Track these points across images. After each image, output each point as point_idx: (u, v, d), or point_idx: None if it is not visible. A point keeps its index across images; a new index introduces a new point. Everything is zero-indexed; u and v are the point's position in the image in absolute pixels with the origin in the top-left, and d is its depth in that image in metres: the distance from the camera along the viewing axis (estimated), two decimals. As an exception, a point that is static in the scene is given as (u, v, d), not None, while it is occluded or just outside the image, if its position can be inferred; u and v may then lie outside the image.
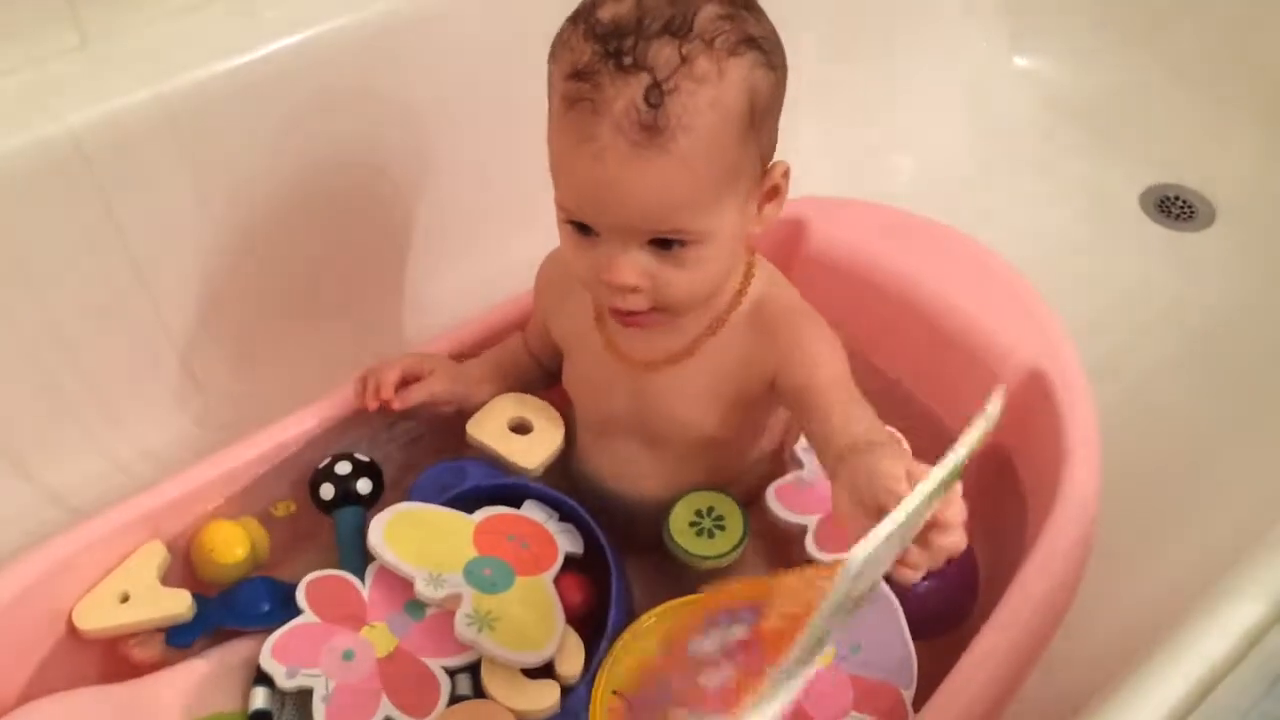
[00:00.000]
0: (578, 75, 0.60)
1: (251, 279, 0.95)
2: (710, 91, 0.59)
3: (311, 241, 0.97)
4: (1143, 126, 1.36)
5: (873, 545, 0.44)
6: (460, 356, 0.86)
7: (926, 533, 0.53)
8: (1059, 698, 0.66)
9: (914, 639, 0.69)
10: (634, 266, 0.64)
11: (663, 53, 0.58)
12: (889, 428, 0.50)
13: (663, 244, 0.63)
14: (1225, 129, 1.34)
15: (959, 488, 0.53)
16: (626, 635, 0.70)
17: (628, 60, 0.58)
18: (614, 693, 0.68)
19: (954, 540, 0.53)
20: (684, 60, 0.58)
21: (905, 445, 0.73)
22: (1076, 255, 1.20)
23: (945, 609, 0.74)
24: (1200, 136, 1.34)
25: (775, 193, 0.67)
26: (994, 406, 0.52)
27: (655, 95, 0.58)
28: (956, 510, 0.53)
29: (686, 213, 0.62)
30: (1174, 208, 1.30)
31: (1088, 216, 1.28)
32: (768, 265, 0.75)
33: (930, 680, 0.65)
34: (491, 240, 1.07)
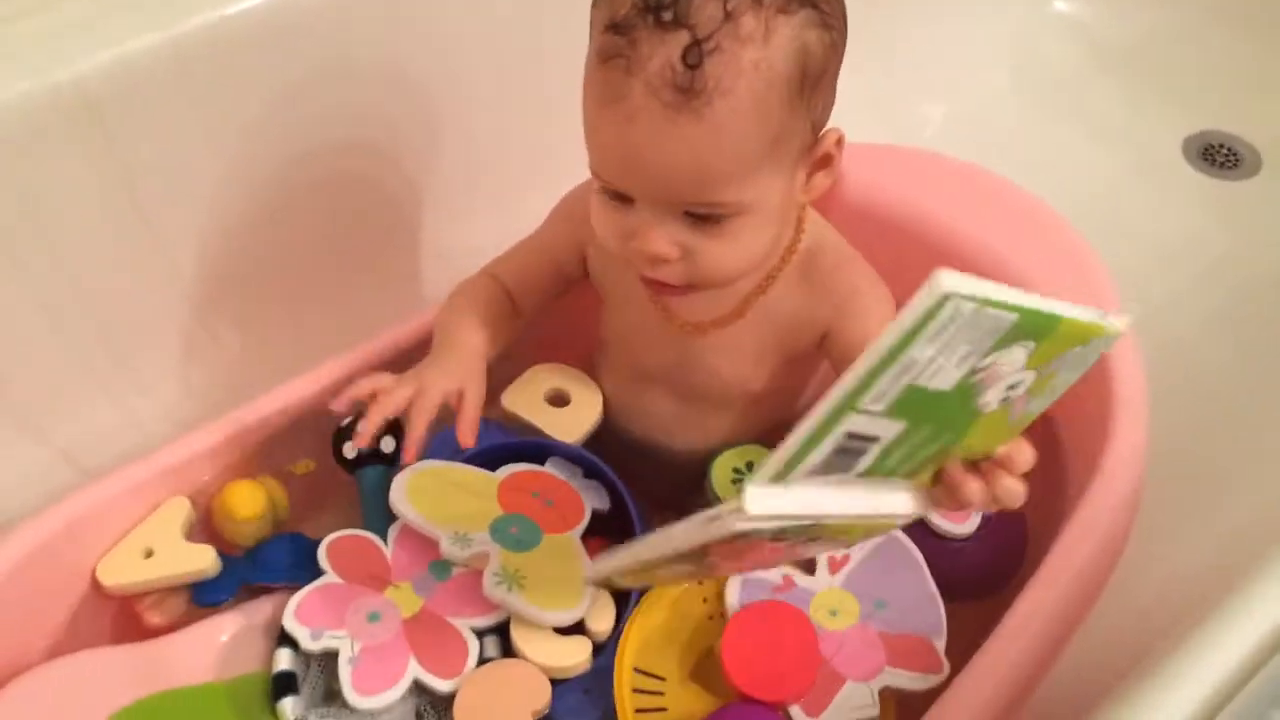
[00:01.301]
0: (615, 28, 0.56)
1: (267, 232, 0.93)
2: (754, 53, 0.55)
3: (329, 193, 0.95)
4: (1186, 72, 1.33)
5: None
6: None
7: (992, 468, 0.50)
8: (1104, 660, 0.64)
9: (959, 599, 0.68)
10: (667, 236, 0.61)
11: (705, 8, 0.54)
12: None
13: (699, 215, 0.60)
14: (1272, 75, 1.30)
15: (1022, 442, 0.51)
16: (644, 603, 0.69)
17: (667, 15, 0.55)
18: (635, 670, 0.67)
19: (1014, 488, 0.50)
20: (728, 17, 0.54)
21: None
22: (1117, 205, 1.17)
23: (992, 571, 0.72)
24: (1246, 83, 1.31)
25: (827, 161, 0.64)
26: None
27: (694, 55, 0.54)
28: (1025, 455, 0.50)
29: (723, 184, 0.58)
30: (1218, 156, 1.27)
31: (1129, 165, 1.25)
32: (817, 216, 0.72)
33: (976, 642, 0.64)
34: (511, 192, 1.05)
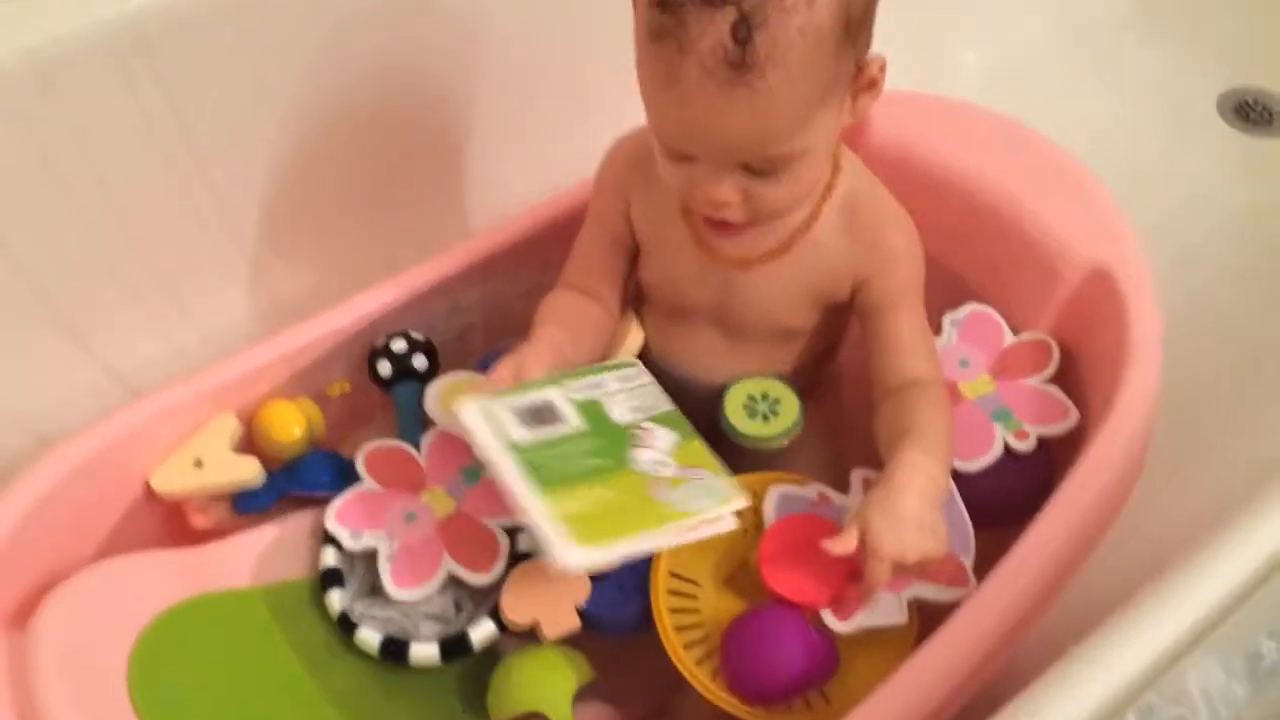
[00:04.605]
0: (662, 6, 0.57)
1: (311, 166, 0.95)
2: (800, 18, 0.56)
3: (372, 128, 0.97)
4: (1224, 27, 1.32)
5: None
6: (523, 244, 0.86)
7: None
8: (1110, 593, 0.65)
9: (986, 529, 0.70)
10: (730, 186, 0.63)
11: None
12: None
13: (758, 169, 0.63)
14: (1311, 31, 1.28)
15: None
16: None
17: None
18: (671, 574, 0.70)
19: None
20: None
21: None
22: (1148, 157, 1.17)
23: (1019, 503, 0.73)
24: (1283, 39, 1.29)
25: (871, 85, 0.65)
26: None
27: (743, 30, 0.55)
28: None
29: (780, 142, 0.61)
30: (1252, 112, 1.26)
31: (1163, 118, 1.24)
32: (853, 156, 0.74)
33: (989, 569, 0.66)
34: (555, 127, 1.06)
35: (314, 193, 0.97)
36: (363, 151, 0.98)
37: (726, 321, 0.77)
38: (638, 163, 0.74)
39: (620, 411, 0.68)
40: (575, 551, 0.58)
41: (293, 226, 0.97)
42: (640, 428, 0.68)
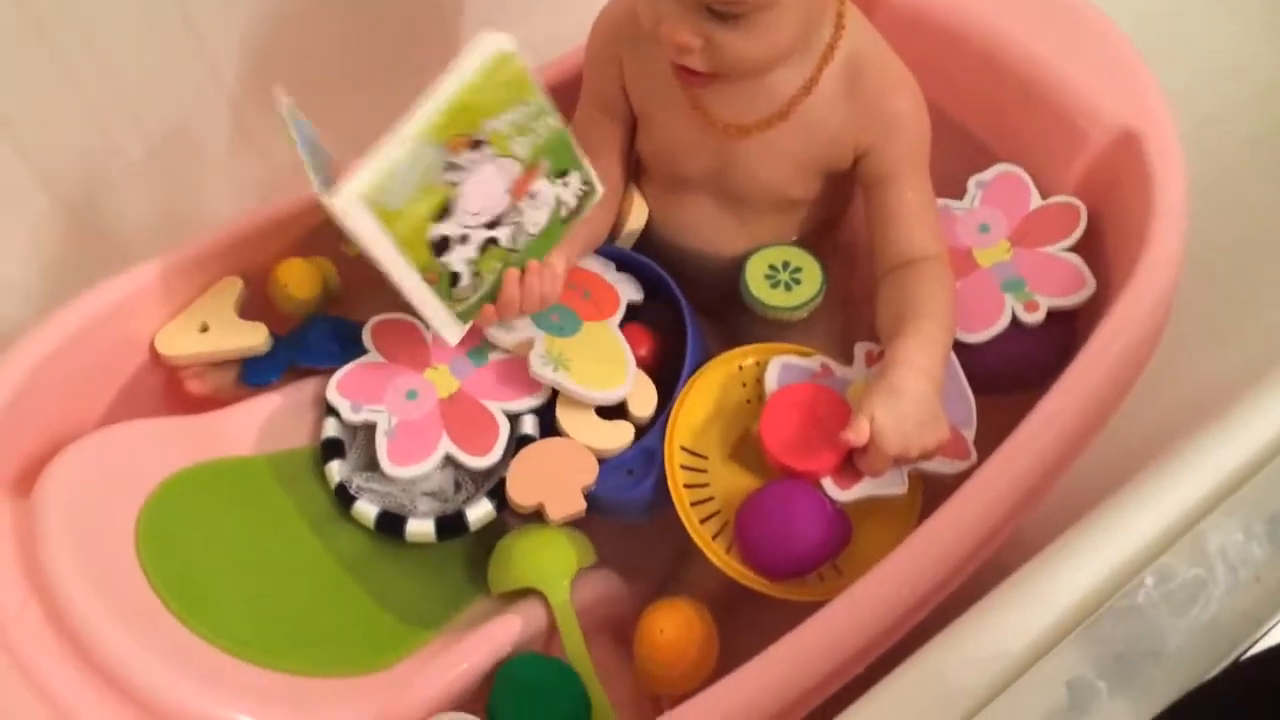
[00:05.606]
0: None
1: (307, 30, 0.92)
2: None
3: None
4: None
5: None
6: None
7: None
8: (1132, 458, 0.65)
9: (999, 392, 0.70)
10: (689, 26, 0.61)
11: None
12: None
13: (719, 11, 0.61)
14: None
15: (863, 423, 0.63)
16: (688, 389, 0.71)
17: None
18: (682, 448, 0.69)
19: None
20: None
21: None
22: (1174, 18, 1.12)
23: (1027, 372, 0.73)
24: (1324, -108, 1.22)
25: None
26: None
27: None
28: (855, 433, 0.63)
29: None
30: (1289, -28, 1.20)
31: (1190, -25, 1.19)
32: (858, 15, 0.71)
33: (1003, 436, 0.65)
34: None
35: (312, 62, 0.94)
36: (361, 19, 0.95)
37: (726, 192, 0.75)
38: (625, 29, 0.72)
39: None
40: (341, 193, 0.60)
41: (292, 96, 0.95)
42: None
